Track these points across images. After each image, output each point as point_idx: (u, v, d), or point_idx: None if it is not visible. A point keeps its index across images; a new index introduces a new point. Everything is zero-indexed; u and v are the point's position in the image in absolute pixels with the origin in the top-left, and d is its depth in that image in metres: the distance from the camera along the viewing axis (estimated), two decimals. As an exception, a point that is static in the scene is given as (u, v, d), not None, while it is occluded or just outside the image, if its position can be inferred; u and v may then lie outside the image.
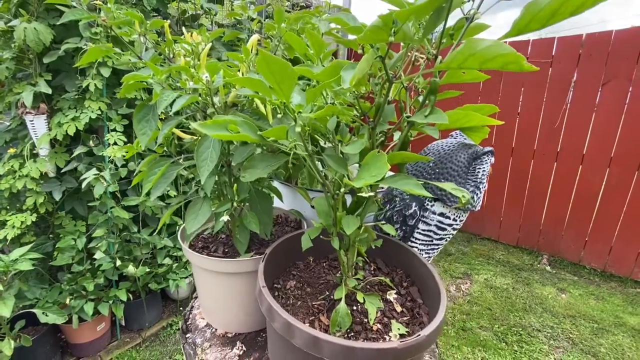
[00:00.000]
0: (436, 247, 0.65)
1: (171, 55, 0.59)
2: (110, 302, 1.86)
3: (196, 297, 0.81)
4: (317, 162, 0.47)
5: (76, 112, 1.69)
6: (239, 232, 0.60)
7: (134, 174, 0.65)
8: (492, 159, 0.59)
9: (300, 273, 0.62)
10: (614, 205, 2.60)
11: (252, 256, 0.65)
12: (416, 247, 0.66)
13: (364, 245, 0.51)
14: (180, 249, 2.14)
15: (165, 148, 0.61)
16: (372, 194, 0.43)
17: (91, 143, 1.74)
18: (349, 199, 0.60)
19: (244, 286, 0.63)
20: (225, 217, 0.55)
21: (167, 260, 2.07)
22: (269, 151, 0.52)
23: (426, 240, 0.64)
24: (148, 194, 0.59)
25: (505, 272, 2.82)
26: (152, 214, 2.04)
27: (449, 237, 0.65)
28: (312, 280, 0.60)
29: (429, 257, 0.67)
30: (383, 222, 0.56)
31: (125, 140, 1.77)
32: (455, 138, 0.64)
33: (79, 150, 1.70)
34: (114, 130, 1.75)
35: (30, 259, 1.55)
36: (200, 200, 0.58)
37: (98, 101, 1.71)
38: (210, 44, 0.52)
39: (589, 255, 2.81)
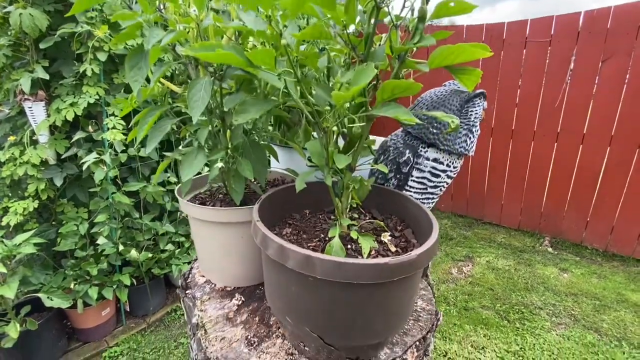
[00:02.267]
0: (431, 196, 0.65)
1: (162, 6, 0.59)
2: (114, 286, 1.88)
3: (195, 259, 0.82)
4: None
5: (74, 97, 1.70)
6: (234, 182, 0.61)
7: (131, 126, 0.65)
8: (485, 103, 0.59)
9: (296, 222, 0.62)
10: (615, 184, 2.60)
11: (248, 209, 0.65)
12: (411, 196, 0.66)
13: (358, 187, 0.52)
14: (183, 235, 2.15)
15: (158, 102, 0.62)
16: (363, 124, 0.43)
17: (90, 128, 1.75)
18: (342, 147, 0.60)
19: (241, 237, 0.64)
20: (220, 164, 0.56)
21: (170, 246, 2.09)
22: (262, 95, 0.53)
23: (420, 188, 0.64)
24: (144, 147, 0.59)
25: (507, 254, 2.82)
26: (153, 201, 2.06)
27: (443, 186, 0.65)
28: (308, 228, 0.61)
29: (426, 203, 0.67)
30: (376, 164, 0.57)
31: (124, 124, 1.78)
32: (447, 87, 0.64)
33: (79, 135, 1.71)
34: (113, 114, 1.76)
35: (34, 243, 1.57)
36: (195, 149, 0.58)
37: (96, 86, 1.72)
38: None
39: (591, 235, 2.81)
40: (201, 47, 0.38)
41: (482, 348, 1.87)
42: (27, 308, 1.69)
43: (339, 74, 0.44)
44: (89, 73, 1.66)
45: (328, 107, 0.43)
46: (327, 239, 0.55)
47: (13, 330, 1.52)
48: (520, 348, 1.86)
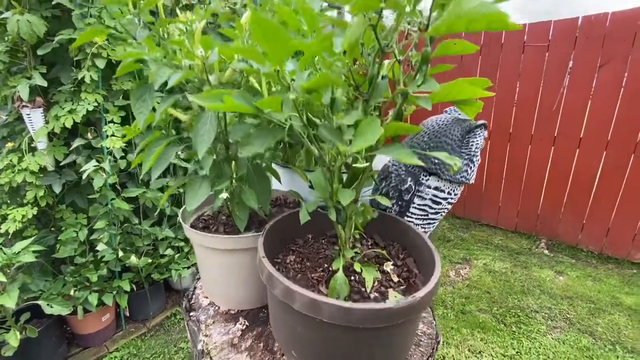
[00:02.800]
0: (432, 221, 0.67)
1: (165, 36, 0.59)
2: (114, 292, 1.88)
3: (199, 279, 0.82)
4: (312, 136, 0.48)
5: (73, 104, 1.69)
6: (238, 210, 0.62)
7: (135, 155, 0.66)
8: (485, 133, 0.60)
9: (299, 249, 0.63)
10: (611, 188, 2.62)
11: (252, 235, 0.66)
12: (412, 222, 0.68)
13: (360, 219, 0.53)
14: (182, 240, 2.16)
15: (163, 130, 0.62)
16: (367, 164, 0.44)
17: (89, 135, 1.75)
18: (345, 179, 0.61)
19: (244, 263, 0.65)
20: (225, 194, 0.56)
21: (169, 251, 2.09)
22: (266, 123, 0.53)
23: (422, 215, 0.65)
24: (149, 175, 0.60)
25: (503, 257, 2.85)
26: (153, 206, 2.06)
27: (444, 212, 0.66)
28: (311, 255, 0.62)
29: (425, 232, 0.69)
30: (379, 194, 0.57)
31: (124, 132, 1.77)
32: (449, 114, 0.65)
33: (77, 142, 1.70)
34: (112, 122, 1.75)
35: (33, 251, 1.57)
36: (200, 178, 0.59)
37: (94, 93, 1.71)
38: (204, 21, 0.52)
39: (587, 238, 2.84)
40: (210, 96, 0.38)
41: (479, 352, 1.89)
42: (26, 315, 1.70)
43: (342, 118, 0.44)
44: (87, 80, 1.65)
45: (334, 153, 0.44)
46: (330, 269, 0.56)
47: (13, 339, 1.53)
48: (517, 352, 1.89)
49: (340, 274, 0.49)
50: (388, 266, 0.56)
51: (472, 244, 3.05)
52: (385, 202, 0.51)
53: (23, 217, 1.68)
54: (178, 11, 0.64)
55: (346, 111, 0.46)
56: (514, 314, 2.19)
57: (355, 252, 0.58)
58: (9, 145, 1.73)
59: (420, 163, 0.40)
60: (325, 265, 0.57)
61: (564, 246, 2.96)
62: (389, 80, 0.55)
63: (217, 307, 0.71)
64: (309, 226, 0.69)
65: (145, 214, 2.08)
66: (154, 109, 0.57)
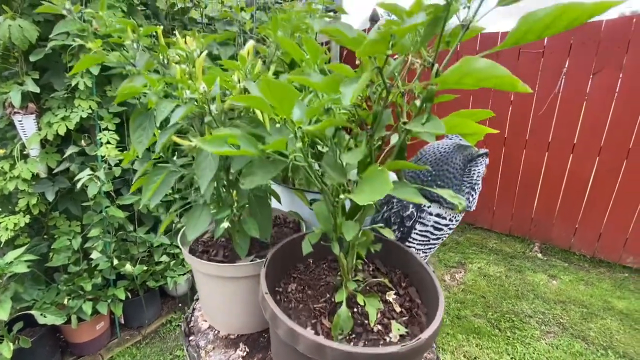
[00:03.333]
0: (433, 246, 0.67)
1: (165, 61, 0.58)
2: (109, 301, 1.86)
3: (197, 299, 0.82)
4: (316, 169, 0.48)
5: (66, 111, 1.66)
6: (239, 238, 0.61)
7: (134, 180, 0.65)
8: (487, 160, 0.60)
9: (300, 275, 0.63)
10: (604, 193, 2.66)
11: (252, 259, 0.65)
12: (413, 247, 0.68)
13: (363, 249, 0.52)
14: (177, 246, 2.14)
15: (162, 154, 0.61)
16: (371, 202, 0.43)
17: (83, 143, 1.72)
18: (347, 202, 0.61)
19: (245, 289, 0.64)
20: (226, 224, 0.56)
21: (164, 258, 2.07)
22: (267, 158, 0.53)
23: (423, 241, 0.65)
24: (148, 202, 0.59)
25: (498, 261, 2.88)
26: (148, 212, 2.04)
27: (444, 237, 0.66)
28: (312, 282, 0.61)
29: (426, 256, 0.69)
30: (381, 225, 0.57)
31: (118, 138, 1.75)
32: (450, 139, 0.65)
33: (71, 150, 1.67)
34: (106, 129, 1.73)
35: (26, 260, 1.55)
36: (200, 207, 0.58)
37: (88, 100, 1.68)
38: (206, 51, 0.51)
39: (579, 242, 2.88)
40: (214, 141, 0.37)
41: (475, 358, 1.91)
42: (19, 325, 1.67)
43: (346, 154, 0.44)
44: (81, 87, 1.63)
45: (338, 188, 0.44)
46: (333, 299, 0.55)
47: (6, 350, 1.51)
48: (512, 358, 1.91)
49: (344, 309, 0.49)
50: (390, 295, 0.56)
51: (467, 247, 3.08)
52: (388, 234, 0.51)
53: (15, 226, 1.65)
54: (177, 34, 0.62)
55: (347, 147, 0.46)
56: (508, 318, 2.22)
57: (357, 280, 0.58)
58: (0, 152, 1.70)
59: (426, 202, 0.40)
60: (328, 295, 0.57)
61: (557, 250, 3.00)
62: (392, 105, 0.54)
63: (216, 332, 0.71)
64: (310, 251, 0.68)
65: (140, 221, 2.06)
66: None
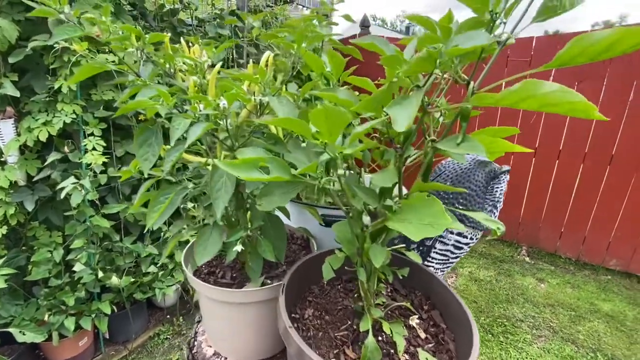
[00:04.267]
0: (450, 264, 0.65)
1: (172, 71, 0.54)
2: (93, 315, 1.76)
3: (199, 322, 0.77)
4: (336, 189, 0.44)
5: (48, 115, 1.57)
6: (252, 260, 0.57)
7: (138, 197, 0.60)
8: (508, 177, 0.58)
9: (316, 299, 0.59)
10: (588, 197, 2.74)
11: (262, 281, 0.61)
12: (432, 266, 0.65)
13: (388, 273, 0.50)
14: (167, 256, 2.06)
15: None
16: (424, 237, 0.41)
17: (66, 149, 1.63)
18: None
19: (255, 314, 0.60)
20: (239, 247, 0.52)
21: (152, 268, 1.99)
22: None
23: (442, 259, 0.63)
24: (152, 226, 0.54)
25: (487, 265, 2.92)
26: (135, 221, 1.95)
27: (462, 255, 0.65)
28: (329, 306, 0.58)
29: (442, 274, 0.67)
30: (403, 245, 0.55)
31: (104, 145, 1.66)
32: (470, 157, 0.63)
33: (53, 157, 1.58)
34: (92, 134, 1.64)
35: (2, 275, 1.44)
36: (209, 228, 0.54)
37: (72, 104, 1.60)
38: (220, 63, 0.48)
39: (564, 245, 2.95)
40: (243, 165, 0.34)
41: (470, 365, 1.91)
42: (-5, 343, 1.56)
43: (379, 177, 0.41)
44: (64, 90, 1.54)
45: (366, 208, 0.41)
46: (354, 327, 0.52)
47: (-20, 372, 1.40)
48: (505, 364, 1.93)
49: (371, 340, 0.45)
50: (414, 320, 0.54)
51: (457, 252, 3.10)
52: (415, 257, 0.48)
53: (-9, 237, 1.54)
54: (182, 41, 0.58)
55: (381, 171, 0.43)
56: (500, 323, 2.24)
57: (378, 305, 0.55)
58: (-25, 158, 1.59)
59: (463, 228, 0.38)
60: (349, 322, 0.53)
61: (544, 253, 3.06)
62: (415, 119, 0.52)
63: (223, 358, 0.66)
64: (321, 268, 0.65)
65: (127, 230, 1.97)
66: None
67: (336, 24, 0.97)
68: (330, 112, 0.27)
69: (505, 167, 0.57)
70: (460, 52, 0.29)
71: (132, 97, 0.50)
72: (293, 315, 0.55)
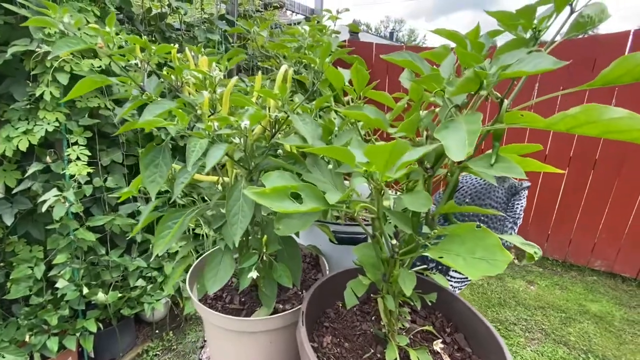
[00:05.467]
0: (468, 282, 0.63)
1: (179, 84, 0.50)
2: (78, 334, 1.67)
3: (203, 347, 0.72)
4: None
5: (28, 124, 1.48)
6: (266, 285, 0.53)
7: (142, 219, 0.56)
8: (527, 193, 0.57)
9: (332, 324, 0.56)
10: (573, 200, 2.82)
11: (274, 307, 0.58)
12: (451, 285, 0.63)
13: (417, 301, 0.47)
14: (155, 269, 1.98)
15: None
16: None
17: (48, 159, 1.54)
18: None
19: (268, 343, 0.56)
20: (254, 274, 0.48)
21: (141, 282, 1.90)
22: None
23: (462, 278, 0.61)
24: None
25: (479, 268, 2.95)
26: (121, 232, 1.87)
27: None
28: (347, 331, 0.55)
29: (458, 291, 0.65)
30: (425, 266, 0.52)
31: (89, 154, 1.59)
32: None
33: (34, 167, 1.49)
34: (76, 143, 1.56)
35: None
36: (220, 252, 0.50)
37: (55, 111, 1.51)
38: (236, 77, 0.44)
39: (551, 247, 3.02)
40: (273, 194, 0.31)
41: (467, 371, 1.91)
42: (-30, 367, 1.46)
43: (408, 198, 0.38)
44: (47, 97, 1.46)
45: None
46: (378, 355, 0.49)
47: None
48: (501, 369, 1.93)
49: (400, 372, 0.43)
50: (437, 345, 0.51)
51: (449, 256, 3.13)
52: (441, 281, 0.46)
53: (-35, 255, 1.44)
54: (187, 51, 0.55)
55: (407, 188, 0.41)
56: (494, 327, 2.26)
57: (399, 327, 0.52)
58: (-53, 170, 1.48)
59: (508, 256, 0.36)
60: (371, 350, 0.50)
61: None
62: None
63: (231, 388, 0.62)
64: (336, 291, 0.62)
65: (113, 243, 1.88)
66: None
67: (339, 33, 0.95)
68: (397, 146, 0.25)
69: (526, 183, 0.56)
70: (521, 74, 0.27)
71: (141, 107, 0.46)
72: (311, 344, 0.52)
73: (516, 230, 0.58)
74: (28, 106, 1.49)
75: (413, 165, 0.43)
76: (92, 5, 1.62)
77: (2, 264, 1.63)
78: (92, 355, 1.87)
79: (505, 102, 0.40)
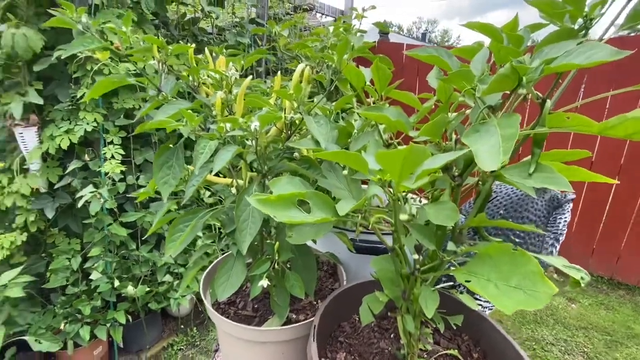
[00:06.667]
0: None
1: (196, 84, 0.49)
2: (108, 325, 1.74)
3: (217, 350, 0.71)
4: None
5: (70, 124, 1.57)
6: (278, 295, 0.51)
7: (155, 221, 0.56)
8: (571, 205, 0.51)
9: (348, 339, 0.53)
10: (623, 213, 2.57)
11: (287, 316, 0.56)
12: (480, 305, 0.58)
13: (440, 323, 0.43)
14: (182, 265, 2.03)
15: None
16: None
17: (86, 157, 1.63)
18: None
19: (279, 354, 0.54)
20: (265, 282, 0.46)
21: (168, 277, 1.96)
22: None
23: (492, 297, 0.56)
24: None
25: (513, 282, 2.77)
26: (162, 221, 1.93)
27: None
28: (363, 348, 0.51)
29: (489, 312, 0.59)
30: (451, 283, 0.48)
31: (123, 152, 1.66)
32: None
33: (74, 165, 1.58)
34: (111, 143, 1.64)
35: (21, 282, 1.44)
36: (232, 257, 0.48)
37: (94, 112, 1.60)
38: (250, 77, 0.43)
39: (596, 263, 2.78)
40: (279, 202, 0.28)
41: (497, 392, 1.79)
42: (12, 350, 1.56)
43: (432, 210, 0.34)
44: (86, 98, 1.54)
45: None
46: (395, 378, 0.46)
47: (-3, 381, 1.39)
48: (536, 392, 1.79)
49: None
50: (462, 371, 0.46)
51: (480, 267, 2.97)
52: (470, 303, 0.41)
53: (11, 244, 1.55)
54: (206, 52, 0.54)
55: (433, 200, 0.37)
56: (529, 346, 2.10)
57: (422, 350, 0.48)
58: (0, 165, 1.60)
59: (552, 287, 0.31)
60: (389, 372, 0.47)
61: (574, 271, 2.89)
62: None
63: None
64: (352, 303, 0.58)
65: (143, 237, 1.95)
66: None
67: (365, 32, 0.92)
68: (413, 152, 0.22)
69: (571, 195, 0.49)
70: (570, 67, 0.22)
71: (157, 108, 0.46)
72: (323, 359, 0.49)
73: (558, 248, 0.51)
74: (70, 107, 1.58)
75: (438, 172, 0.39)
76: (130, 11, 1.70)
77: (43, 254, 1.74)
78: (122, 345, 1.95)
79: (548, 102, 0.35)
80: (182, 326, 2.20)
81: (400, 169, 0.23)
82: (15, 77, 1.57)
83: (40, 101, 1.51)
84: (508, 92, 0.31)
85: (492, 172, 0.39)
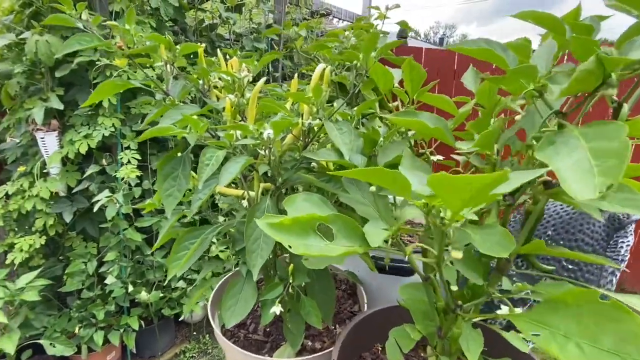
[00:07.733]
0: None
1: (206, 88, 0.45)
2: (121, 330, 1.74)
3: None
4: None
5: (89, 129, 1.58)
6: (291, 321, 0.46)
7: (160, 236, 0.53)
8: (634, 227, 0.43)
9: (369, 373, 0.47)
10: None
11: (302, 343, 0.50)
12: (531, 345, 0.51)
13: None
14: (196, 271, 2.01)
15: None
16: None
17: (104, 162, 1.63)
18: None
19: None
20: (277, 309, 0.41)
21: (182, 283, 1.95)
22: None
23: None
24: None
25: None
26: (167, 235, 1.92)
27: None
28: (387, 385, 0.45)
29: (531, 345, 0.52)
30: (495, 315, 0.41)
31: (140, 157, 1.66)
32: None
33: (92, 169, 1.59)
34: (128, 148, 1.64)
35: (37, 286, 1.45)
36: (241, 279, 0.44)
37: (112, 117, 1.61)
38: (262, 81, 0.38)
39: None
40: (294, 227, 0.23)
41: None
42: (28, 353, 1.57)
43: (475, 235, 0.28)
44: (105, 104, 1.55)
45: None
46: None
47: (11, 384, 1.39)
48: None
49: None
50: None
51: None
52: (521, 345, 0.35)
53: (30, 247, 1.57)
54: (219, 53, 0.50)
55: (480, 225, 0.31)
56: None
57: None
58: (21, 169, 1.63)
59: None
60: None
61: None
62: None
63: None
64: (378, 331, 0.52)
65: (159, 244, 1.94)
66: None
67: (387, 33, 0.86)
68: (495, 180, 0.16)
69: (636, 215, 0.42)
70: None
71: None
72: (342, 397, 0.43)
73: (617, 277, 0.44)
74: (89, 112, 1.60)
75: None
76: (150, 17, 1.71)
77: (60, 257, 1.75)
78: (134, 350, 1.94)
79: (625, 106, 0.29)
80: (195, 333, 2.18)
81: (468, 198, 0.18)
82: (38, 82, 1.60)
83: (61, 106, 1.53)
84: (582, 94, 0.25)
85: (548, 187, 0.33)
